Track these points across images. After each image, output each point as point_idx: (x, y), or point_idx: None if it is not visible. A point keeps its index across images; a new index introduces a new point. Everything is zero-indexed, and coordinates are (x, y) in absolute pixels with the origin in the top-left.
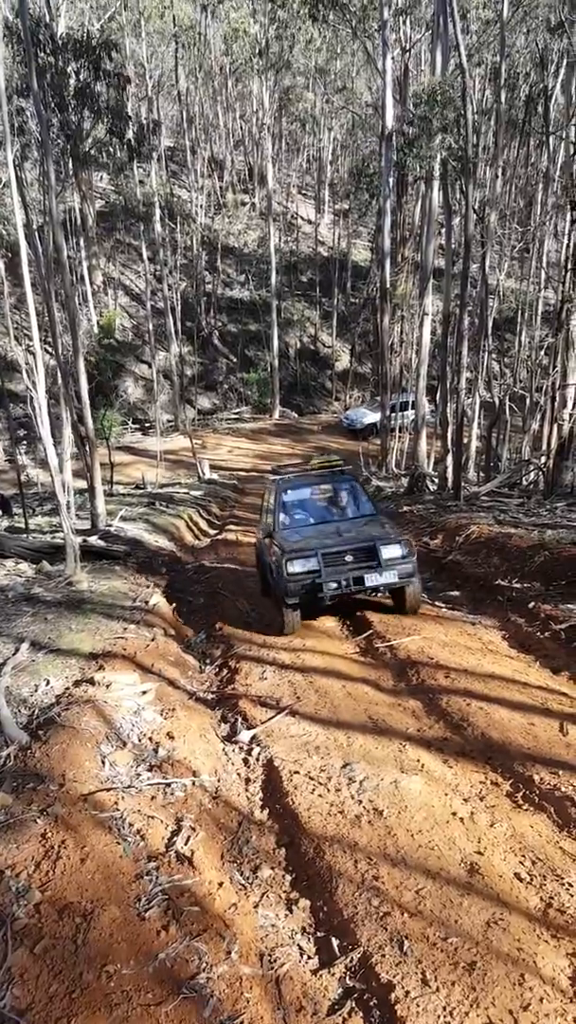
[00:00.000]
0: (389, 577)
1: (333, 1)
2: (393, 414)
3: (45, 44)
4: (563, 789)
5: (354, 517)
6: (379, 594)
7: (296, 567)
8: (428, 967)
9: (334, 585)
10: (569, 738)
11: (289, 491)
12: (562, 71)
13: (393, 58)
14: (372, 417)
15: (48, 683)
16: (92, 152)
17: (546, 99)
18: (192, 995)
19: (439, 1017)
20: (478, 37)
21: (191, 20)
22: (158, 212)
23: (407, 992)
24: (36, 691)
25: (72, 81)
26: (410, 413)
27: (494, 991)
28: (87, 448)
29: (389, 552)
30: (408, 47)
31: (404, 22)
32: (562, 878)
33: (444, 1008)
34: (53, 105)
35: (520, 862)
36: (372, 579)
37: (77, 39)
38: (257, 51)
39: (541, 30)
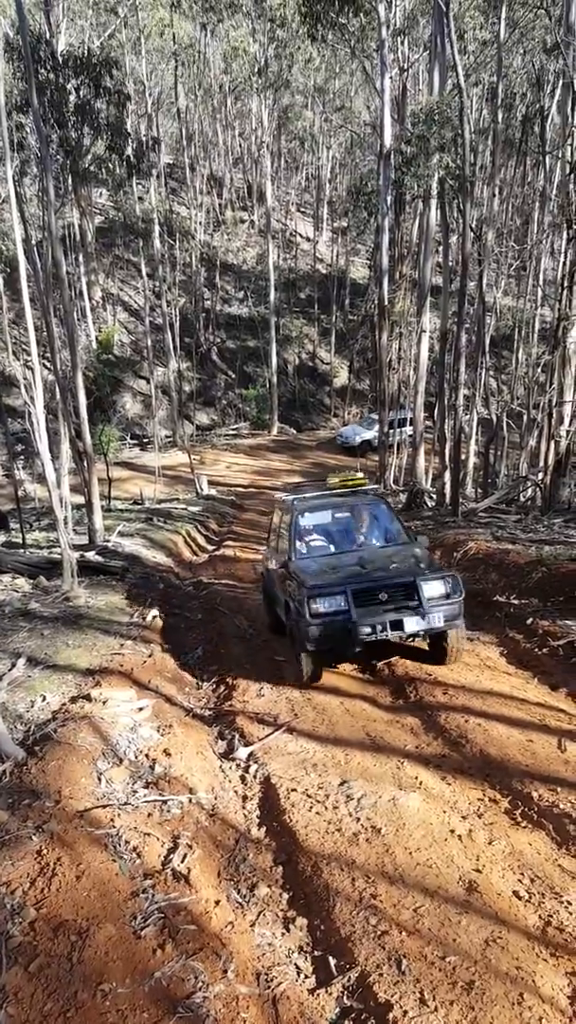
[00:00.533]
0: (434, 620)
1: (332, 21)
2: (390, 430)
3: (45, 61)
4: (561, 806)
5: (385, 545)
6: (416, 639)
7: (320, 606)
8: (426, 986)
9: (367, 630)
10: (567, 755)
11: (307, 513)
12: (558, 91)
13: (391, 78)
14: (367, 434)
15: (44, 699)
16: (91, 168)
17: (542, 119)
18: (188, 1014)
19: None
20: (475, 57)
21: (191, 38)
22: (157, 228)
23: (405, 1012)
24: (32, 707)
25: (72, 98)
26: (408, 429)
27: (493, 1010)
28: (85, 463)
29: (432, 589)
30: (406, 67)
31: (402, 42)
32: (561, 896)
33: None
34: (53, 121)
35: (519, 880)
36: (413, 623)
37: (77, 56)
38: (256, 70)
39: (538, 51)
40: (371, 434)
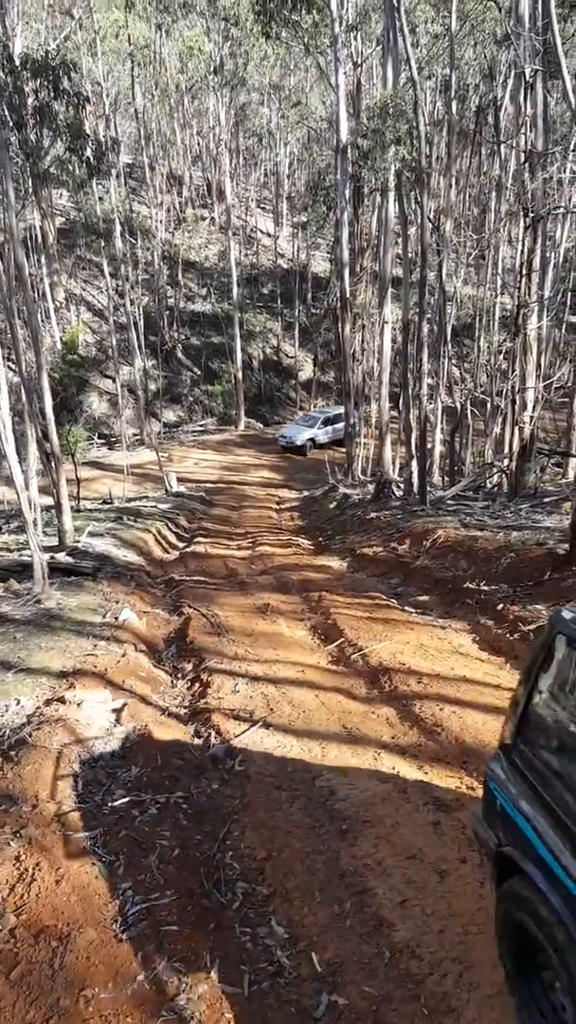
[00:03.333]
0: None
1: (285, 19)
2: (321, 429)
3: (2, 64)
4: None
5: None
6: None
7: None
8: None
9: None
10: None
11: None
12: (510, 82)
13: (345, 73)
14: (309, 432)
15: (19, 703)
16: (52, 170)
17: (496, 109)
18: (172, 1017)
19: None
20: (428, 51)
21: (146, 39)
22: (118, 228)
23: None
24: (7, 711)
25: (31, 100)
26: (340, 426)
27: None
28: (53, 464)
29: None
30: (360, 62)
31: (355, 38)
32: None
33: None
34: (11, 124)
35: None
36: None
37: (35, 59)
38: (212, 68)
39: (489, 43)
40: (314, 432)
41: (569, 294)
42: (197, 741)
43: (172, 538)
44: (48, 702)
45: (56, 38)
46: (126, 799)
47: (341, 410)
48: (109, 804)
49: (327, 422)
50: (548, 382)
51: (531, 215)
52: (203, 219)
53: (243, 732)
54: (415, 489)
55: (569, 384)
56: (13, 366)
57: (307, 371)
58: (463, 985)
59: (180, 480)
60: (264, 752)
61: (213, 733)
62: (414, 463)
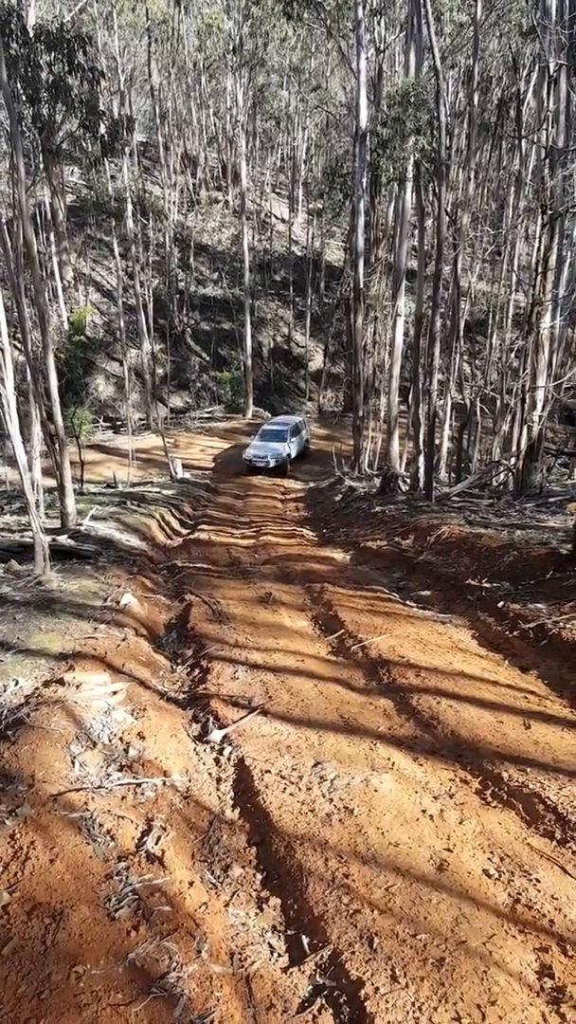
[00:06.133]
0: None
1: None
2: (291, 441)
3: (16, 35)
4: (531, 786)
5: None
6: None
7: None
8: (397, 963)
9: None
10: (536, 736)
11: None
12: (534, 75)
13: (367, 58)
14: (281, 447)
15: (17, 683)
16: (64, 146)
17: (518, 103)
18: (162, 994)
19: (408, 1013)
20: (452, 40)
21: (164, 14)
22: (130, 208)
23: (377, 988)
24: (5, 691)
25: (44, 74)
26: (293, 442)
27: (462, 986)
28: (57, 446)
29: None
30: (382, 48)
31: (379, 22)
32: (529, 874)
33: (413, 1004)
34: (25, 98)
35: (488, 859)
36: None
37: (50, 31)
38: (231, 47)
39: (514, 34)
40: (286, 447)
41: None
42: (195, 726)
43: (176, 524)
44: (47, 683)
45: (71, 10)
46: (123, 781)
47: (298, 418)
48: (105, 785)
49: (295, 432)
50: (559, 382)
51: (549, 212)
52: (217, 202)
53: (241, 719)
54: (421, 484)
55: None
56: (19, 345)
57: (317, 361)
58: None
59: (185, 466)
60: (260, 737)
61: (211, 718)
62: (421, 458)
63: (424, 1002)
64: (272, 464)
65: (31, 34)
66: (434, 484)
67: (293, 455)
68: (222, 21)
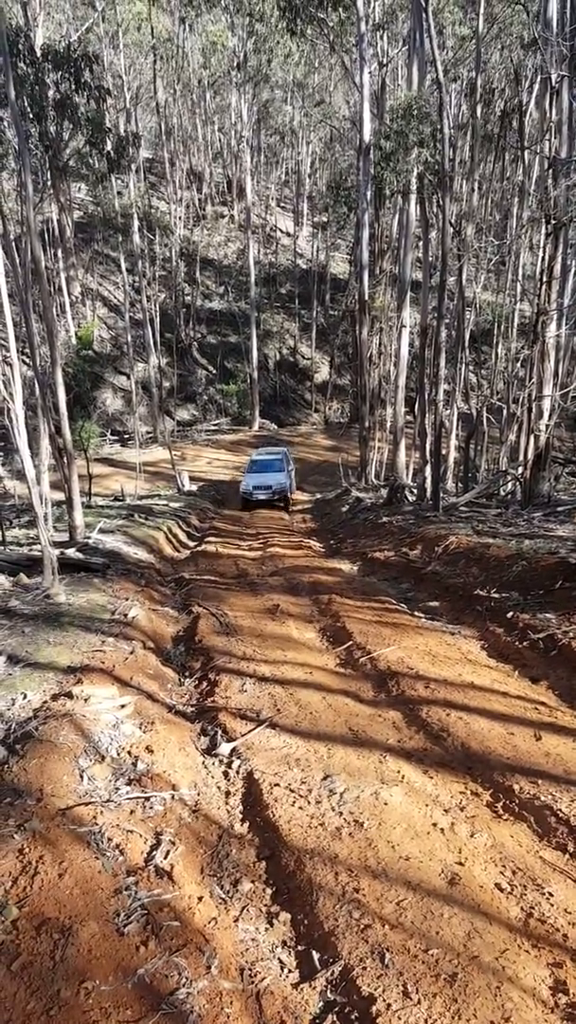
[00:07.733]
0: None
1: (311, 16)
2: (288, 471)
3: (23, 55)
4: (542, 798)
5: None
6: None
7: None
8: (409, 979)
9: None
10: (547, 747)
11: None
12: (536, 87)
13: (370, 72)
14: (281, 477)
15: (25, 697)
16: (71, 163)
17: (521, 114)
18: (172, 1011)
19: None
20: (454, 53)
21: (168, 32)
22: (136, 223)
23: (389, 1005)
24: (13, 705)
25: (51, 92)
26: (281, 476)
27: (475, 1002)
28: (65, 460)
29: None
30: (385, 62)
31: (381, 37)
32: (543, 888)
33: (426, 1020)
34: (32, 116)
35: (500, 872)
36: None
37: (57, 51)
38: (235, 64)
39: (515, 47)
40: (284, 478)
41: None
42: (203, 739)
43: (183, 537)
44: (55, 697)
45: (78, 29)
46: (132, 795)
47: (283, 448)
48: (114, 799)
49: (287, 461)
50: (565, 391)
51: (553, 222)
52: (222, 216)
53: (249, 731)
54: (428, 495)
55: None
56: (27, 360)
57: (323, 373)
58: None
59: (192, 479)
60: (269, 750)
61: (219, 731)
62: (428, 468)
63: (437, 1018)
64: (275, 497)
65: (38, 54)
66: (441, 494)
67: (294, 487)
68: (226, 38)
